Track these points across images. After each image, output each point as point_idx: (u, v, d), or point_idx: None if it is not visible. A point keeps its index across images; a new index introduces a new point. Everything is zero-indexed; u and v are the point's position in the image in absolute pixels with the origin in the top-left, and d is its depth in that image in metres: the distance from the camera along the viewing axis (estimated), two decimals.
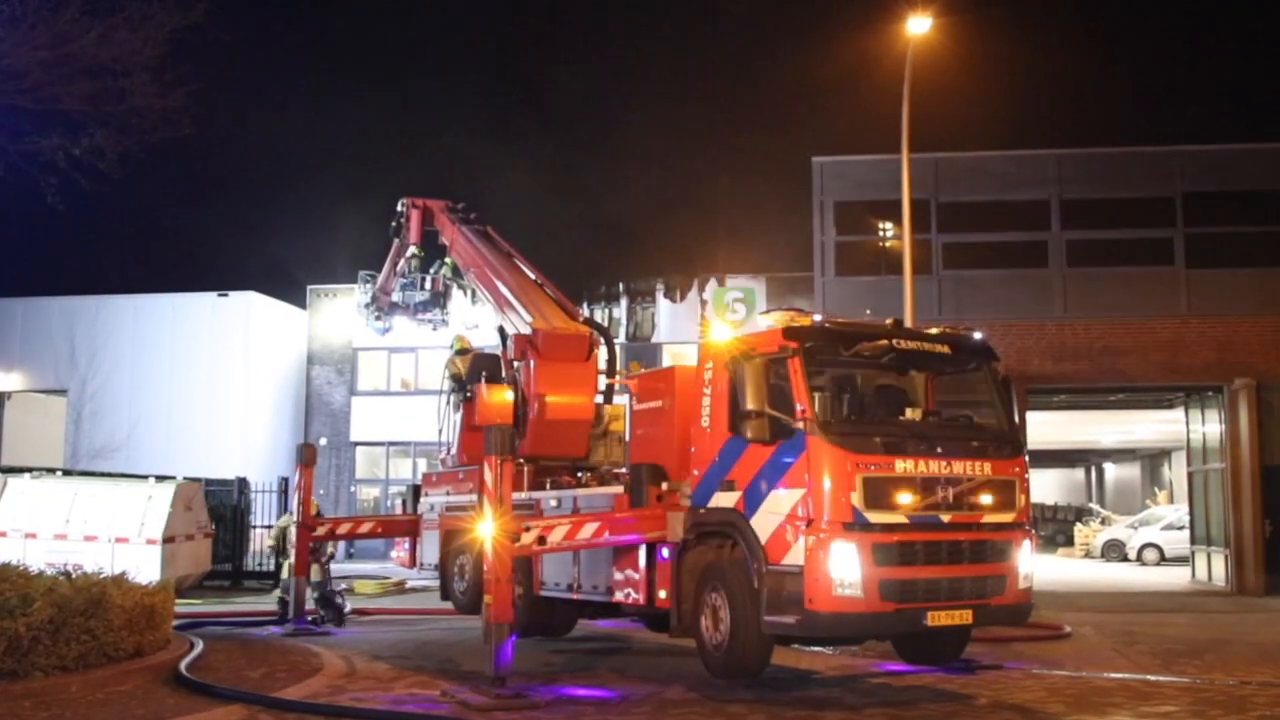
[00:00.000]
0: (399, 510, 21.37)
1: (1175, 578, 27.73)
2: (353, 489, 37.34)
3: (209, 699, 10.50)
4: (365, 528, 19.11)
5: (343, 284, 36.64)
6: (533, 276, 16.91)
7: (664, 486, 12.54)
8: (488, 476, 11.28)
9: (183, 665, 11.68)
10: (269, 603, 20.15)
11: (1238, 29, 66.08)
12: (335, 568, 18.36)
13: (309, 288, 38.88)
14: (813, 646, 13.70)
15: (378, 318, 21.72)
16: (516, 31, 76.01)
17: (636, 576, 12.71)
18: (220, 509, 24.72)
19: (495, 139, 71.07)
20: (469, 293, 19.97)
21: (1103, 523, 41.52)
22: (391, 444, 37.20)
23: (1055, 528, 45.35)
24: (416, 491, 18.01)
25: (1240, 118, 57.84)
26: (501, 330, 16.05)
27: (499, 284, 16.61)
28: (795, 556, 10.79)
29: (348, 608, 17.14)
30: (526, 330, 15.21)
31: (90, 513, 20.67)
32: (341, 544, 18.47)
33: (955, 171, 24.99)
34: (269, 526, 24.88)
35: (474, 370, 16.30)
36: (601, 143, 72.52)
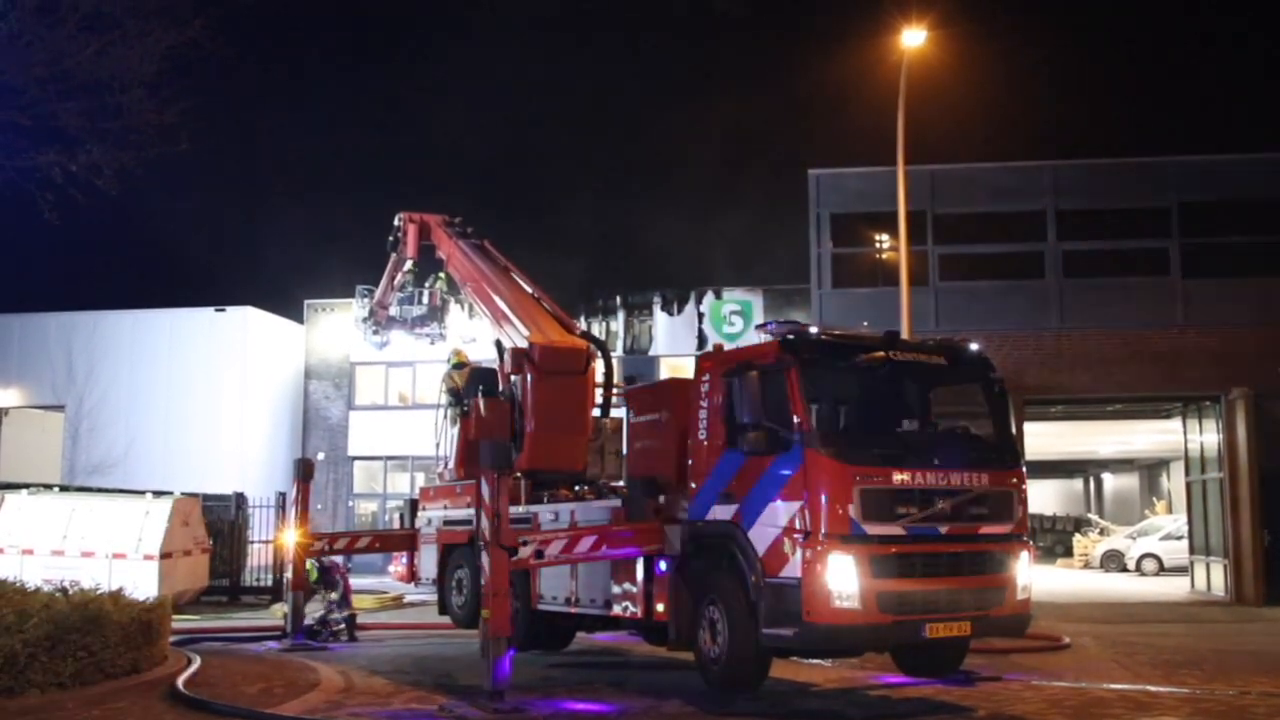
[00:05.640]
0: (396, 525, 21.32)
1: (1174, 588, 27.69)
2: (350, 503, 37.27)
3: (206, 715, 10.48)
4: (363, 543, 19.05)
5: (340, 298, 36.62)
6: (529, 290, 16.91)
7: (661, 499, 12.55)
8: (485, 490, 11.28)
9: (180, 681, 11.66)
10: (267, 618, 20.13)
11: (1232, 39, 66.35)
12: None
13: (306, 302, 38.87)
14: (811, 659, 13.67)
15: (375, 332, 21.72)
16: (513, 45, 76.24)
17: (634, 590, 12.70)
18: (218, 524, 24.65)
19: (493, 153, 71.23)
20: (466, 307, 19.94)
21: (1101, 533, 41.47)
22: (389, 458, 37.14)
23: (1054, 538, 45.31)
24: (414, 506, 17.98)
25: (1236, 128, 58.02)
26: (499, 344, 16.05)
27: (496, 298, 16.61)
28: (793, 569, 10.78)
29: (326, 637, 16.98)
30: (523, 344, 15.20)
31: (87, 529, 20.64)
32: (339, 558, 18.40)
33: (951, 183, 25.04)
34: (267, 541, 24.85)
35: (471, 384, 16.29)
36: (598, 157, 72.67)
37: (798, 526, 10.82)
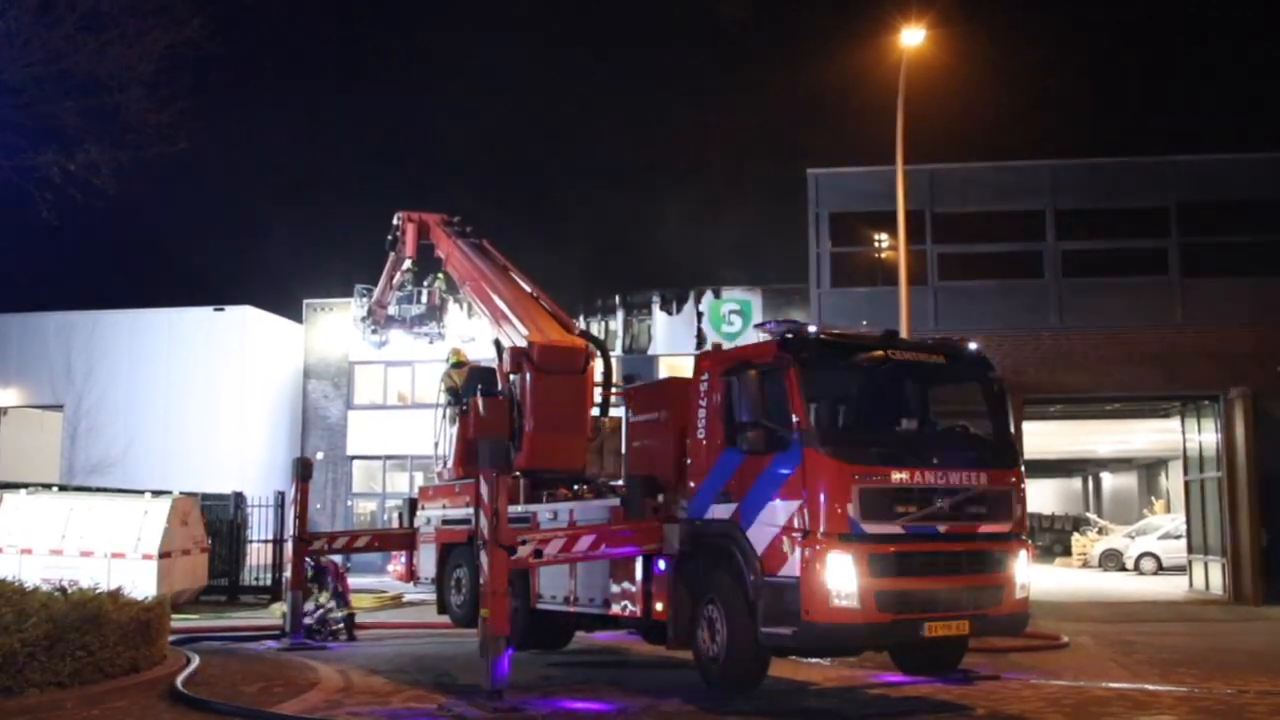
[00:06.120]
0: (395, 524, 21.33)
1: (1173, 587, 27.71)
2: (349, 503, 37.27)
3: (206, 714, 10.49)
4: (362, 542, 19.06)
5: (339, 298, 36.64)
6: (528, 289, 16.91)
7: (660, 498, 12.54)
8: (483, 489, 11.29)
9: (179, 680, 11.66)
10: (266, 617, 20.13)
11: (1231, 39, 66.37)
12: None
13: (305, 301, 38.88)
14: (810, 658, 13.68)
15: (374, 331, 21.72)
16: (514, 45, 76.20)
17: (633, 589, 12.70)
18: (217, 523, 24.65)
19: (492, 153, 71.24)
20: (465, 306, 19.92)
21: (1100, 532, 41.50)
22: (388, 458, 37.15)
23: (1053, 537, 45.35)
24: (413, 505, 17.98)
25: (1234, 128, 58.00)
26: (497, 343, 16.05)
27: (494, 297, 16.61)
28: (791, 568, 10.78)
29: (325, 636, 16.93)
30: (522, 343, 15.20)
31: (86, 528, 20.62)
32: (339, 558, 18.40)
33: (950, 182, 25.03)
34: (266, 541, 24.87)
35: (470, 383, 16.30)
36: (597, 156, 72.66)
37: (796, 525, 10.82)
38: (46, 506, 21.30)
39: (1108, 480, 53.55)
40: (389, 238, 20.02)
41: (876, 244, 25.76)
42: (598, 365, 15.69)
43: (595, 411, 15.60)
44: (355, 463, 37.68)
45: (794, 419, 11.01)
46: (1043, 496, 49.53)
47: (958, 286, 24.52)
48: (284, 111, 70.80)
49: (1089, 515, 48.86)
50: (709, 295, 35.48)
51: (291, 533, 17.32)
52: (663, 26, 78.03)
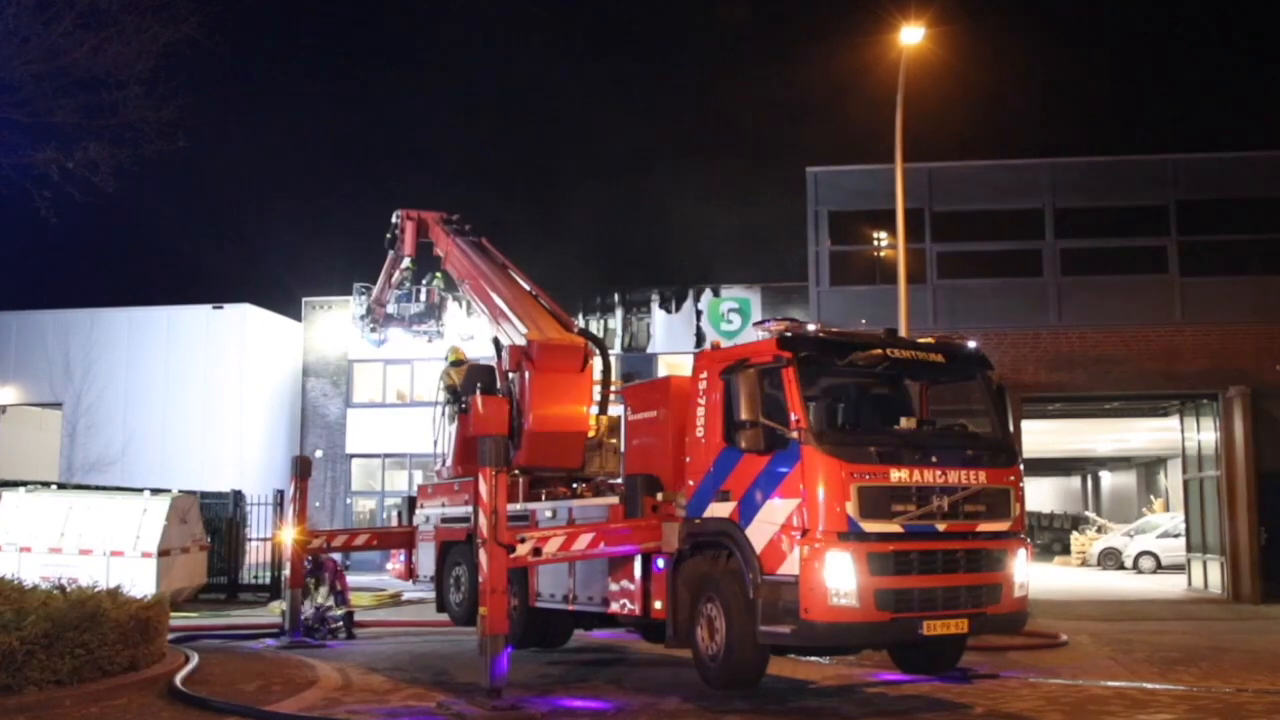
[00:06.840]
0: (394, 522, 21.32)
1: (1171, 585, 27.72)
2: (348, 501, 37.28)
3: (204, 712, 10.49)
4: (361, 540, 19.08)
5: (338, 296, 36.65)
6: (527, 288, 16.90)
7: (659, 497, 12.54)
8: (482, 488, 11.29)
9: (178, 678, 11.66)
10: (265, 615, 20.13)
11: (1230, 37, 66.38)
12: None
13: (304, 300, 38.87)
14: (809, 656, 13.69)
15: (373, 329, 21.69)
16: (514, 44, 76.22)
17: (632, 587, 12.71)
18: (216, 522, 24.65)
19: (491, 151, 71.25)
20: (464, 304, 19.89)
21: (1099, 531, 41.52)
22: (387, 456, 37.16)
23: (1051, 536, 45.37)
24: (412, 503, 17.99)
25: (1234, 126, 58.03)
26: (496, 341, 16.05)
27: (494, 295, 16.61)
28: (790, 566, 10.78)
29: (324, 634, 16.90)
30: (521, 341, 15.20)
31: (85, 526, 20.62)
32: (338, 556, 18.39)
33: (949, 181, 25.02)
34: (265, 539, 24.87)
35: (469, 382, 16.28)
36: (597, 154, 72.67)
37: (795, 524, 10.82)
38: (45, 505, 21.30)
39: (1106, 479, 53.57)
40: (388, 236, 19.99)
41: (876, 242, 25.75)
42: (596, 363, 15.68)
43: (594, 410, 15.59)
44: (354, 461, 37.68)
45: (793, 417, 11.01)
46: (1041, 495, 49.56)
47: (957, 285, 24.51)
48: (284, 109, 70.84)
49: (1088, 514, 48.88)
50: (708, 293, 35.48)
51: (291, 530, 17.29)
52: (662, 24, 78.07)
